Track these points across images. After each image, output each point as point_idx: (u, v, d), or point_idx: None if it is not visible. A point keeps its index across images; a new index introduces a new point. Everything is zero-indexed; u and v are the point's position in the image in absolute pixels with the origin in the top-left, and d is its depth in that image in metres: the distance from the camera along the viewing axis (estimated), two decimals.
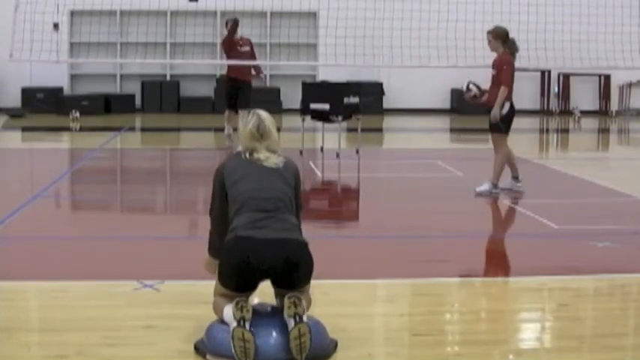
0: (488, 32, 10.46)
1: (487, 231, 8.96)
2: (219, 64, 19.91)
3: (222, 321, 4.98)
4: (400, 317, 5.89)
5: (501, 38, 10.30)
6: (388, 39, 14.90)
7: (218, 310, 5.06)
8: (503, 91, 10.17)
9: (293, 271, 4.95)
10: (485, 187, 10.38)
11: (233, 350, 4.72)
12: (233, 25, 14.48)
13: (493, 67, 10.39)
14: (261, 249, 4.91)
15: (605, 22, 16.35)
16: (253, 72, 14.71)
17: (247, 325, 4.74)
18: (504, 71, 10.20)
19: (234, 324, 4.76)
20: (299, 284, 5.00)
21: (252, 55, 14.66)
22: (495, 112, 10.17)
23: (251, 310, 4.78)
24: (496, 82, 10.29)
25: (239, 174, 5.13)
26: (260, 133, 5.15)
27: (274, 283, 5.05)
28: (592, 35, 15.83)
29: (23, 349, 5.09)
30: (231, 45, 14.59)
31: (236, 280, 4.98)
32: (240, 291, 4.98)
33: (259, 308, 5.12)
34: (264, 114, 5.25)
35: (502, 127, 10.29)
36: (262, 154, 5.14)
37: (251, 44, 14.77)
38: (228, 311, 4.86)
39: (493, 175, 10.37)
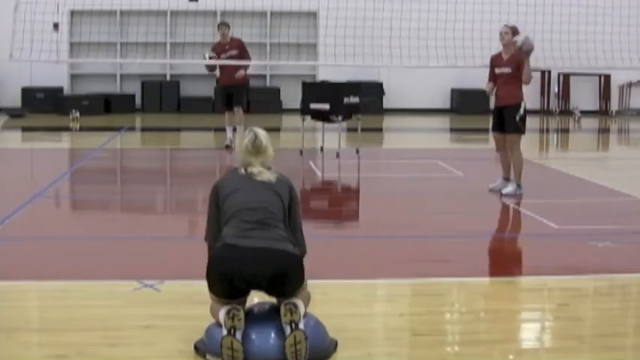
0: (507, 26, 10.48)
1: (487, 231, 8.95)
2: (219, 64, 19.90)
3: (219, 324, 4.98)
4: (400, 317, 5.89)
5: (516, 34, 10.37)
6: (388, 39, 14.90)
7: (215, 314, 5.05)
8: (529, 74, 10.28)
9: (279, 281, 4.94)
10: (510, 188, 10.40)
11: (221, 358, 4.74)
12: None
13: (505, 66, 10.38)
14: (246, 258, 4.91)
15: (605, 22, 16.35)
16: (241, 72, 14.48)
17: (238, 335, 4.75)
18: (526, 69, 10.26)
19: (224, 332, 4.77)
20: (289, 293, 4.98)
21: (241, 57, 14.48)
22: (527, 72, 10.21)
23: (243, 319, 4.78)
24: (512, 81, 10.32)
25: (232, 187, 5.19)
26: (255, 149, 5.24)
27: (265, 291, 5.05)
28: (592, 35, 15.82)
29: (23, 349, 5.09)
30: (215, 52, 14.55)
31: (224, 288, 4.97)
32: (230, 298, 4.96)
33: (259, 308, 5.13)
34: (260, 131, 5.34)
35: (522, 127, 10.38)
36: (256, 169, 5.21)
37: (241, 46, 14.47)
38: (222, 315, 4.86)
39: (515, 175, 10.42)
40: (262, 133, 5.32)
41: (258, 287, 5.00)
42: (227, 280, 4.93)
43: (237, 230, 5.02)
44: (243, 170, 5.24)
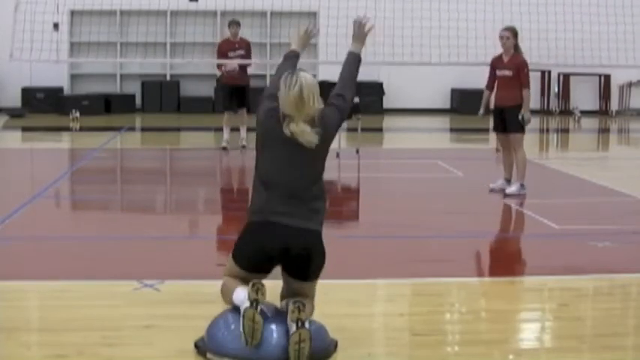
0: (507, 29, 10.48)
1: (487, 231, 8.95)
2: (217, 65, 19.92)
3: (232, 305, 4.98)
4: (400, 317, 5.89)
5: (517, 37, 10.36)
6: (389, 38, 14.90)
7: (226, 291, 5.04)
8: (528, 94, 10.34)
9: (308, 260, 4.97)
10: (513, 188, 10.40)
11: (242, 329, 4.75)
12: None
13: (505, 69, 10.40)
14: (283, 236, 4.92)
15: (605, 22, 16.36)
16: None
17: (259, 308, 4.75)
18: (525, 74, 10.34)
19: (246, 304, 4.76)
20: (311, 275, 5.02)
21: (246, 58, 14.55)
22: (528, 115, 10.34)
23: (266, 294, 4.80)
24: (513, 83, 10.34)
25: (271, 142, 5.02)
26: (301, 102, 4.91)
27: (286, 270, 5.05)
28: (592, 35, 15.83)
29: (23, 349, 5.09)
30: (220, 52, 14.59)
31: (252, 261, 5.00)
32: (252, 272, 4.99)
33: (263, 307, 5.11)
34: (307, 80, 4.96)
35: (524, 127, 10.39)
36: (298, 127, 4.92)
37: (248, 47, 14.58)
38: (240, 294, 4.87)
39: (518, 175, 10.41)
40: (308, 83, 4.93)
41: (284, 262, 5.00)
42: (257, 255, 4.96)
43: (270, 204, 4.98)
44: (286, 126, 4.94)
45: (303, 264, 5.00)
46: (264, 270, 5.07)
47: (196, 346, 5.02)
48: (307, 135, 4.92)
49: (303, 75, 5.00)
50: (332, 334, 5.10)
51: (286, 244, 4.93)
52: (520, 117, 10.32)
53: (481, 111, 10.81)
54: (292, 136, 4.94)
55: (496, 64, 10.59)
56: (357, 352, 5.07)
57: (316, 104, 4.98)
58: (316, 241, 5.02)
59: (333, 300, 6.01)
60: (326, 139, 5.06)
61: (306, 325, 4.78)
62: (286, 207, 4.97)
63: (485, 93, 10.78)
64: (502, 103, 10.48)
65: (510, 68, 10.38)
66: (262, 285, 4.82)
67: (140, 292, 6.22)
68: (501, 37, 10.47)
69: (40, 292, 6.39)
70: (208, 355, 4.91)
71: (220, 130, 15.04)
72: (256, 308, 4.74)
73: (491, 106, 10.81)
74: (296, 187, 5.00)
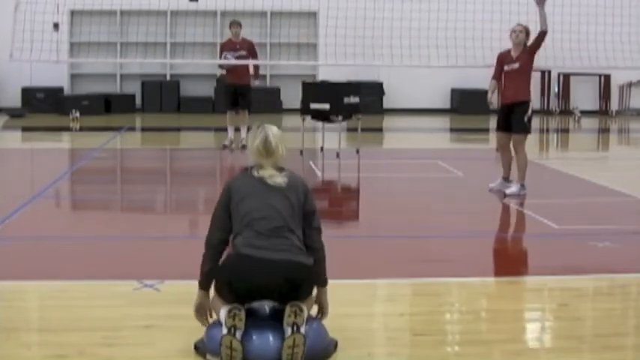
0: (521, 24, 10.47)
1: (487, 231, 8.95)
2: (219, 64, 19.93)
3: (219, 322, 4.98)
4: (400, 317, 5.89)
5: (528, 37, 10.37)
6: (388, 39, 14.90)
7: (216, 307, 5.06)
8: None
9: (290, 292, 4.93)
10: (514, 188, 10.38)
11: (220, 356, 4.75)
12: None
13: (515, 62, 10.34)
14: (259, 269, 4.90)
15: (605, 22, 16.35)
16: (251, 72, 14.65)
17: (238, 334, 4.75)
18: (534, 42, 10.32)
19: (224, 330, 4.78)
20: (298, 300, 4.98)
21: (249, 58, 14.60)
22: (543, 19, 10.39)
23: (244, 319, 4.79)
24: (522, 77, 10.30)
25: (244, 192, 5.13)
26: (266, 150, 5.14)
27: (273, 300, 5.05)
28: (592, 35, 15.82)
29: (23, 349, 5.09)
30: (221, 52, 14.68)
31: (231, 295, 4.96)
32: (236, 302, 4.97)
33: (259, 308, 5.12)
34: (272, 130, 5.23)
35: (528, 127, 10.37)
36: (267, 172, 5.13)
37: (251, 47, 14.67)
38: (223, 315, 4.87)
39: (519, 175, 10.40)
40: (273, 133, 5.21)
41: (267, 298, 5.00)
42: (236, 290, 4.93)
43: (250, 240, 4.99)
44: (255, 172, 5.17)
45: (285, 296, 4.93)
46: (247, 300, 5.02)
47: (196, 347, 5.02)
48: (276, 177, 5.13)
49: (268, 127, 5.27)
50: (332, 334, 5.10)
51: (260, 279, 4.88)
52: (526, 118, 10.29)
53: (490, 97, 10.62)
54: (262, 180, 5.12)
55: (504, 59, 10.49)
56: (357, 352, 5.07)
57: (281, 150, 5.21)
58: (295, 273, 4.94)
59: (333, 300, 6.00)
60: (295, 192, 5.11)
61: (302, 329, 4.77)
62: (259, 242, 4.96)
63: (492, 82, 10.61)
64: (510, 99, 10.36)
65: (519, 60, 10.31)
66: (240, 310, 4.80)
67: (140, 292, 6.22)
68: (514, 31, 10.41)
69: (40, 292, 6.40)
70: (208, 357, 4.91)
71: (220, 129, 15.09)
72: (234, 335, 4.74)
73: (498, 105, 10.69)
74: (271, 221, 4.99)
